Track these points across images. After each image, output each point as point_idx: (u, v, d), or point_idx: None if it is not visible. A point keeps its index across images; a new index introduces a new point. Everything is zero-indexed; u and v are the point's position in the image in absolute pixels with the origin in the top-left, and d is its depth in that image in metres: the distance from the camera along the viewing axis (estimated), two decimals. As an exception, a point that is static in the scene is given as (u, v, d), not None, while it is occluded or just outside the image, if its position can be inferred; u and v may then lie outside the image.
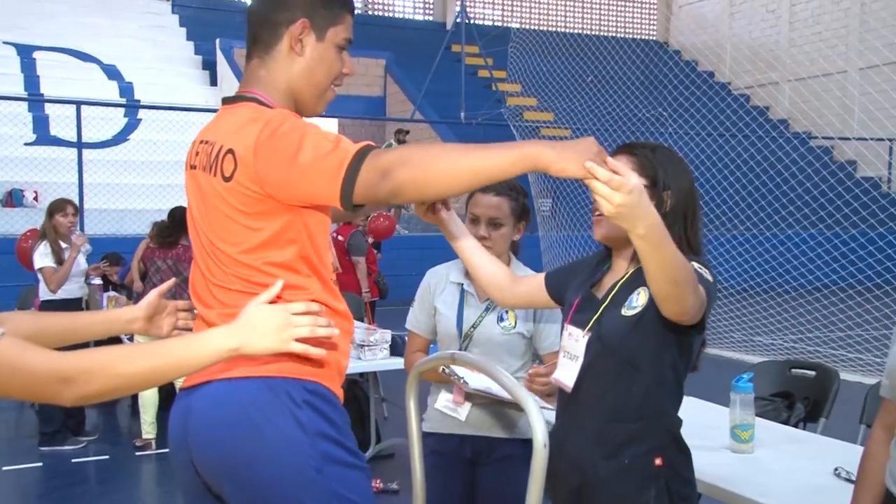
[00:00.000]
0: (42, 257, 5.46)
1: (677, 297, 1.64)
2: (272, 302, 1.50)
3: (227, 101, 1.73)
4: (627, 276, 1.86)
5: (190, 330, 1.78)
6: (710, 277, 1.78)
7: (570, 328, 1.91)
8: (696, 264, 1.76)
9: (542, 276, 2.12)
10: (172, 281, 1.89)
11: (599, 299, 1.88)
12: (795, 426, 3.09)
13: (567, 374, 1.89)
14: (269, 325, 1.45)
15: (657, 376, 1.81)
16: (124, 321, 1.76)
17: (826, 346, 8.40)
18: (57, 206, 5.58)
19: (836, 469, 2.32)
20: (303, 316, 1.48)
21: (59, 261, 5.45)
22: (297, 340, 1.48)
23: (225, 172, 1.61)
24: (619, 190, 1.46)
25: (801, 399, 3.18)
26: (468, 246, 2.09)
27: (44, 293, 5.50)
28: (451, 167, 1.46)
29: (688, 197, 1.85)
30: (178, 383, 1.71)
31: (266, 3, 1.73)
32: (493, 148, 1.46)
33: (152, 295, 1.79)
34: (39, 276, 5.49)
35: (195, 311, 1.77)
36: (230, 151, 1.61)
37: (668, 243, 1.56)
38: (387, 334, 4.49)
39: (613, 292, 1.86)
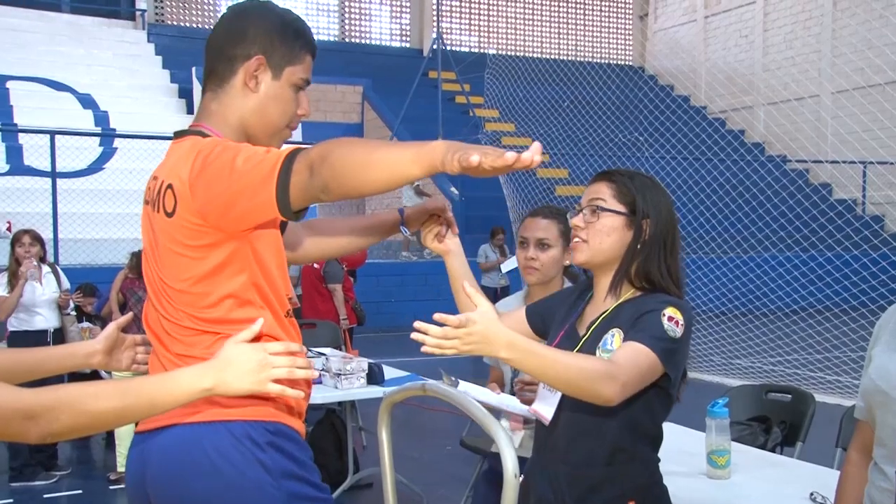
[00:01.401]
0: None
1: (586, 396, 1.63)
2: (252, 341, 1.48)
3: (176, 135, 1.71)
4: (608, 312, 1.85)
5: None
6: (677, 333, 1.73)
7: None
8: (668, 312, 1.74)
9: (522, 310, 2.10)
10: (130, 315, 1.87)
11: (580, 335, 1.87)
12: (772, 450, 3.10)
13: (545, 406, 1.88)
14: (246, 365, 1.42)
15: (631, 420, 1.79)
16: (83, 355, 1.74)
17: (805, 369, 8.45)
18: (16, 237, 5.57)
19: (811, 494, 2.33)
20: (281, 356, 1.45)
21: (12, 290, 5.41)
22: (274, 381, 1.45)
23: (167, 208, 1.60)
24: (464, 326, 1.49)
25: (777, 423, 3.19)
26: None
27: (10, 324, 5.45)
28: (364, 160, 1.42)
29: (667, 225, 1.85)
30: None
31: (223, 36, 1.70)
32: (407, 145, 1.44)
33: (110, 328, 1.77)
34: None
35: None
36: (169, 186, 1.59)
37: (537, 355, 1.57)
38: (363, 363, 4.46)
39: (593, 327, 1.85)
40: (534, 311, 2.07)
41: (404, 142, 1.47)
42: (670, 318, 1.74)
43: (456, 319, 1.51)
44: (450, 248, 2.00)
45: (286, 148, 1.52)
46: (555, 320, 1.99)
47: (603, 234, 1.84)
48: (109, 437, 5.88)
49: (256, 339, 1.49)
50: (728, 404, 2.57)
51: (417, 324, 1.52)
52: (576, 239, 1.88)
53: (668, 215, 1.85)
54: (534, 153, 1.33)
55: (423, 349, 1.52)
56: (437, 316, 1.55)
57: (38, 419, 1.29)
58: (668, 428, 3.01)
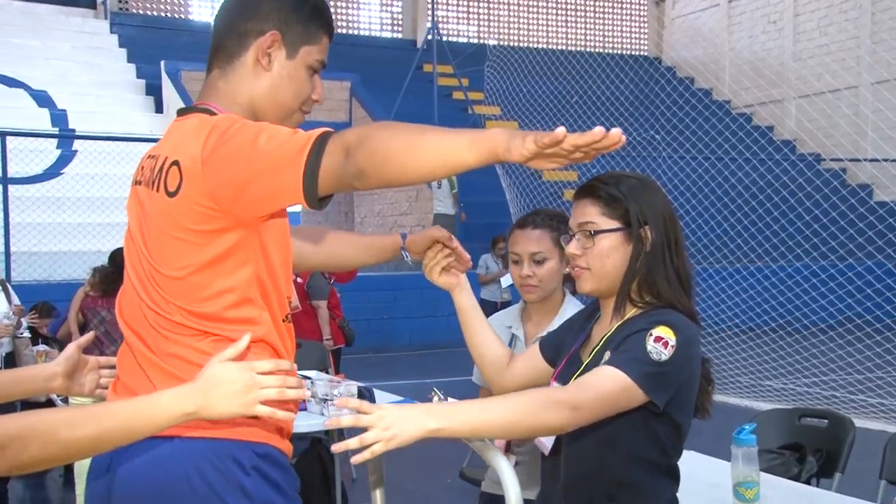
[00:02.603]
0: None
1: (536, 431, 1.69)
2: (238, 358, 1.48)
3: (180, 112, 1.72)
4: (609, 334, 1.86)
5: None
6: (663, 355, 1.73)
7: (554, 385, 1.92)
8: (656, 332, 1.74)
9: (536, 346, 2.11)
10: (91, 334, 1.88)
11: (582, 361, 1.89)
12: (807, 482, 3.09)
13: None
14: (233, 386, 1.43)
15: (634, 452, 1.80)
16: (42, 379, 1.74)
17: (843, 391, 8.44)
18: None
19: (851, 529, 2.33)
20: (271, 376, 1.45)
21: None
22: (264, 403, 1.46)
23: (169, 187, 1.59)
24: (374, 426, 1.52)
25: (812, 451, 3.19)
26: (474, 323, 2.09)
27: None
28: (411, 144, 1.43)
29: (669, 227, 1.86)
30: None
31: (234, 10, 1.73)
32: (459, 131, 1.45)
33: (70, 349, 1.77)
34: None
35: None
36: (175, 163, 1.59)
37: (465, 410, 1.61)
38: (353, 387, 4.45)
39: (594, 352, 1.86)
40: (548, 343, 2.09)
41: (453, 129, 1.48)
42: (657, 339, 1.74)
43: (365, 407, 1.54)
44: (459, 282, 2.02)
45: (318, 129, 1.52)
46: (566, 346, 2.01)
47: (603, 256, 1.85)
48: (67, 474, 5.86)
49: (255, 342, 1.50)
50: (757, 430, 2.57)
51: (331, 421, 1.57)
52: (575, 269, 1.89)
53: (666, 215, 1.87)
54: (619, 133, 1.34)
55: (354, 459, 1.56)
56: (338, 402, 1.61)
57: (5, 449, 1.29)
58: (690, 457, 3.01)
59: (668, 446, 1.84)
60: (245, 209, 1.55)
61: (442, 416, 1.58)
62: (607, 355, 1.80)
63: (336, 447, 1.55)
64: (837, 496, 2.79)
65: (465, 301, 2.04)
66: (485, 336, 2.08)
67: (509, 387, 2.04)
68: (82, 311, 5.66)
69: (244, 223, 1.57)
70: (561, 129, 1.32)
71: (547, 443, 1.88)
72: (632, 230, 1.84)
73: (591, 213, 1.86)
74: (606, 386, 1.70)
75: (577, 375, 1.83)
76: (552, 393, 1.68)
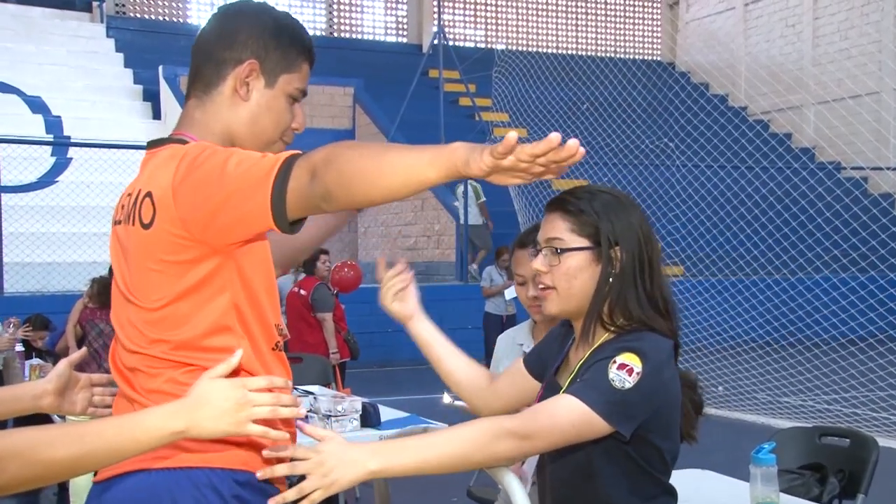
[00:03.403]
0: None
1: (488, 463, 1.67)
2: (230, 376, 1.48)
3: (151, 145, 1.73)
4: (584, 358, 1.84)
5: (108, 407, 1.76)
6: (626, 383, 1.70)
7: None
8: (621, 359, 1.72)
9: (520, 361, 2.08)
10: (83, 350, 1.88)
11: (561, 387, 1.86)
12: None
13: (528, 462, 1.90)
14: (224, 404, 1.42)
15: (614, 476, 1.79)
16: (30, 397, 1.74)
17: (865, 408, 8.41)
18: None
19: (875, 552, 2.32)
20: (263, 394, 1.45)
21: None
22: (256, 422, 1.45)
23: (143, 219, 1.61)
24: (312, 473, 1.52)
25: (834, 472, 3.17)
26: (437, 352, 2.05)
27: None
28: (375, 164, 1.44)
29: (643, 248, 1.82)
30: None
31: (213, 38, 1.74)
32: (422, 147, 1.46)
33: (62, 366, 1.76)
34: None
35: (115, 387, 1.75)
36: (148, 195, 1.61)
37: (409, 448, 1.62)
38: (357, 402, 4.46)
39: (571, 377, 1.84)
40: (532, 358, 2.05)
41: (416, 145, 1.49)
42: (621, 366, 1.72)
43: (301, 451, 1.54)
44: (412, 313, 2.03)
45: (286, 152, 1.53)
46: (549, 363, 1.99)
47: (570, 276, 1.82)
48: (62, 493, 5.86)
49: (234, 373, 1.50)
50: (776, 450, 2.56)
51: (265, 472, 1.55)
52: (541, 286, 1.87)
53: (641, 235, 1.82)
54: (577, 145, 1.33)
55: None
56: (265, 453, 1.57)
57: None
58: (706, 476, 3.01)
59: (652, 469, 1.81)
60: (217, 236, 1.56)
61: (385, 455, 1.57)
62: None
63: (272, 501, 1.55)
64: (860, 518, 2.78)
65: (422, 332, 2.01)
66: (452, 362, 2.04)
67: (496, 408, 2.00)
68: (80, 324, 5.68)
69: (219, 251, 1.58)
70: (513, 135, 1.31)
71: (528, 469, 1.88)
72: (601, 250, 1.81)
73: (559, 229, 1.83)
74: (561, 415, 1.68)
75: None
76: (502, 423, 1.66)
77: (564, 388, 1.81)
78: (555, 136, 1.30)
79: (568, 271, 1.82)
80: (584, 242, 1.81)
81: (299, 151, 1.53)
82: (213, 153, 1.56)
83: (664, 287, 1.84)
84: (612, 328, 1.82)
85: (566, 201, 1.85)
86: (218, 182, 1.51)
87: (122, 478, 1.59)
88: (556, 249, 1.82)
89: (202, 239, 1.56)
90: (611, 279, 1.80)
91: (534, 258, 1.89)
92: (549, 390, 1.88)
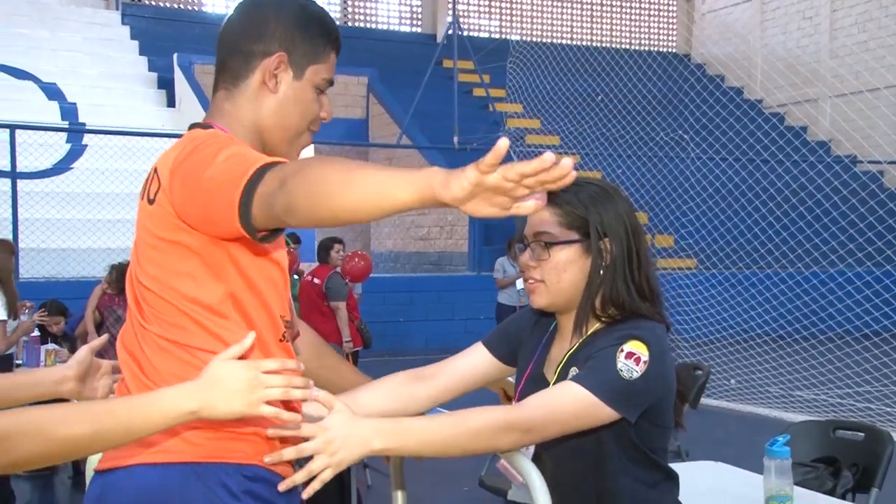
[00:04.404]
0: None
1: (488, 451, 1.69)
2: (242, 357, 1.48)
3: (189, 129, 1.74)
4: (572, 350, 1.84)
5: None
6: (634, 372, 1.71)
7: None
8: (627, 347, 1.72)
9: (477, 349, 2.03)
10: (105, 337, 1.88)
11: (548, 380, 1.86)
12: (843, 497, 3.07)
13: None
14: (236, 384, 1.42)
15: (623, 463, 1.79)
16: (50, 382, 1.74)
17: (879, 402, 8.38)
18: (6, 244, 5.58)
19: (888, 546, 2.32)
20: (276, 375, 1.45)
21: (14, 313, 5.41)
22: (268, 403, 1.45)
23: (150, 194, 1.62)
24: (320, 452, 1.53)
25: (848, 465, 3.17)
26: (355, 398, 1.90)
27: None
28: (344, 177, 1.35)
29: (632, 239, 1.82)
30: None
31: (239, 30, 1.73)
32: (397, 168, 1.38)
33: (83, 352, 1.77)
34: None
35: None
36: (155, 171, 1.63)
37: (416, 430, 1.62)
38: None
39: (558, 369, 1.84)
40: (495, 341, 2.02)
41: (394, 167, 1.42)
42: (629, 355, 1.72)
43: (307, 430, 1.55)
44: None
45: (269, 157, 1.50)
46: (521, 353, 1.98)
47: (559, 270, 1.81)
48: (77, 475, 5.91)
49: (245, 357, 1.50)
50: (790, 443, 2.56)
51: (273, 456, 1.56)
52: (529, 280, 1.86)
53: (630, 227, 1.82)
54: (570, 165, 1.22)
55: (305, 492, 1.56)
56: (270, 432, 1.57)
57: None
58: (719, 468, 3.02)
59: (654, 455, 1.82)
60: (206, 228, 1.55)
61: (389, 436, 1.59)
62: (573, 371, 1.78)
63: (282, 486, 1.56)
64: (874, 512, 2.78)
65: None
66: (374, 405, 1.87)
67: (435, 401, 1.95)
68: (99, 309, 5.71)
69: (212, 241, 1.57)
70: (503, 142, 1.20)
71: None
72: (590, 242, 1.80)
73: (547, 223, 1.82)
74: (567, 404, 1.69)
75: None
76: (507, 416, 1.67)
77: (556, 380, 1.81)
78: (548, 156, 1.21)
79: (557, 265, 1.81)
80: (573, 235, 1.81)
81: (283, 160, 1.50)
82: (215, 142, 1.55)
83: (651, 277, 1.84)
84: (604, 318, 1.82)
85: (553, 194, 1.84)
86: (203, 172, 1.50)
87: (126, 470, 1.57)
88: (545, 244, 1.82)
89: (194, 225, 1.55)
90: (601, 271, 1.80)
91: (521, 253, 1.87)
92: (534, 384, 1.87)
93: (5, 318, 5.38)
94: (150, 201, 1.61)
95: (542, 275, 1.83)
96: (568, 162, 1.21)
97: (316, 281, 7.21)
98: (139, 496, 1.56)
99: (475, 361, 2.00)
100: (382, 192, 1.32)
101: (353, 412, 1.60)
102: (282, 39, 1.70)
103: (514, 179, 1.22)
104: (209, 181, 1.48)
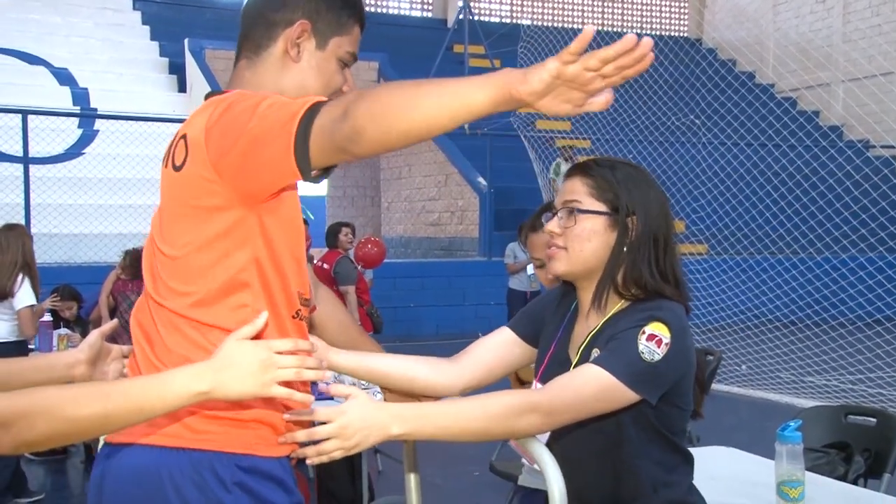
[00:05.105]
0: (26, 295, 5.32)
1: (506, 436, 1.69)
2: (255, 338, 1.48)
3: (206, 97, 1.72)
4: (594, 331, 1.84)
5: None
6: (656, 354, 1.71)
7: (537, 386, 1.90)
8: (649, 329, 1.72)
9: (502, 331, 2.04)
10: (115, 322, 1.89)
11: (571, 360, 1.86)
12: (854, 482, 3.07)
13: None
14: (249, 366, 1.43)
15: (643, 446, 1.79)
16: (63, 366, 1.73)
17: (891, 388, 8.36)
18: (24, 229, 5.59)
19: (901, 532, 2.31)
20: (288, 356, 1.46)
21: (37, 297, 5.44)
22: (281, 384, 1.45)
23: (176, 161, 1.59)
24: (335, 437, 1.54)
25: (859, 451, 3.16)
26: (378, 368, 1.94)
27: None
28: (413, 91, 1.35)
29: (658, 221, 1.82)
30: None
31: (262, 0, 1.72)
32: (467, 77, 1.38)
33: (93, 336, 1.77)
34: (10, 316, 5.38)
35: None
36: (183, 137, 1.60)
37: (434, 416, 1.63)
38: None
39: (580, 350, 1.84)
40: (521, 324, 2.02)
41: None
42: (650, 337, 1.72)
43: (323, 414, 1.55)
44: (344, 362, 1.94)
45: (319, 97, 1.48)
46: (544, 334, 1.98)
47: (583, 238, 1.82)
48: (89, 459, 5.94)
49: (255, 338, 1.50)
50: (801, 428, 2.55)
51: (286, 437, 1.58)
52: (552, 247, 1.86)
53: (658, 210, 1.83)
54: (650, 45, 1.25)
55: (309, 461, 1.57)
56: (286, 416, 1.59)
57: (11, 427, 1.31)
58: (730, 453, 3.01)
59: (673, 437, 1.83)
60: (248, 184, 1.51)
61: (408, 421, 1.59)
62: (595, 352, 1.78)
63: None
64: (888, 497, 2.77)
65: (345, 363, 1.92)
66: (398, 366, 1.95)
67: (461, 385, 1.95)
68: (113, 295, 5.73)
69: (244, 201, 1.54)
70: (589, 29, 1.25)
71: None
72: (618, 217, 1.81)
73: (578, 192, 1.83)
74: (589, 387, 1.69)
75: None
76: (528, 398, 1.67)
77: (578, 361, 1.81)
78: (631, 37, 1.23)
79: (582, 233, 1.82)
80: (602, 207, 1.81)
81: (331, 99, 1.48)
82: (252, 96, 1.52)
83: (676, 265, 1.84)
84: (627, 296, 1.82)
85: (588, 167, 1.86)
86: (247, 123, 1.47)
87: (127, 449, 1.58)
88: (573, 210, 1.82)
89: (233, 184, 1.52)
90: (625, 248, 1.81)
91: (548, 222, 1.87)
92: (557, 364, 1.87)
93: (34, 302, 5.38)
94: (177, 168, 1.59)
95: (565, 242, 1.84)
96: (648, 41, 1.24)
97: (325, 266, 7.23)
98: (133, 476, 1.57)
99: (500, 343, 2.01)
100: (457, 99, 1.33)
101: (370, 398, 1.60)
102: (305, 9, 1.69)
103: (595, 67, 1.25)
104: (255, 128, 1.46)
